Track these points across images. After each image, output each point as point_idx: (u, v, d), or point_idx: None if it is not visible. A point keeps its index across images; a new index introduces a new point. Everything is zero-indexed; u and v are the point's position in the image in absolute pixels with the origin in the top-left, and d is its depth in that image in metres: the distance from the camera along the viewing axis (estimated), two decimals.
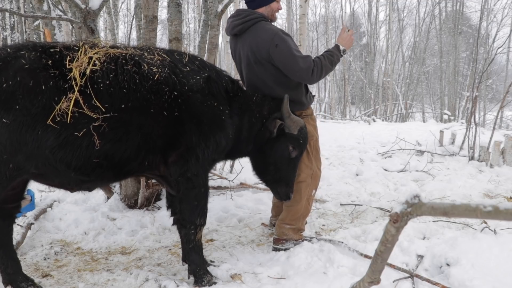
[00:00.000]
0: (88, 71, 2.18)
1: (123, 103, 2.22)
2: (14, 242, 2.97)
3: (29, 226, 3.29)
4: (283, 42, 2.69)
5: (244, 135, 2.70)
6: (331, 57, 2.81)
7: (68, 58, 2.21)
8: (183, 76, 2.44)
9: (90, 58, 2.25)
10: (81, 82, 2.15)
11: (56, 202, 3.97)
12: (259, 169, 2.85)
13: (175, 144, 2.40)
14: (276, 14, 2.97)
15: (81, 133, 2.13)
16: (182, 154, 2.42)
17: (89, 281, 2.60)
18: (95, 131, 2.14)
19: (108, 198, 4.04)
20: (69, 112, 2.09)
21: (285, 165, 2.75)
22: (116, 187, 4.02)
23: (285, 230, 3.01)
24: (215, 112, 2.49)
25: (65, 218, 3.65)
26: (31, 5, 9.42)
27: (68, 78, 2.15)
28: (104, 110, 2.16)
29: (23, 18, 11.27)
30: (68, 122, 2.09)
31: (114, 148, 2.23)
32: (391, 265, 2.52)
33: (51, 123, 2.07)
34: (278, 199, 2.90)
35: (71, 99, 2.10)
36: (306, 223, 3.51)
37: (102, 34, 13.68)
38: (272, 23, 2.95)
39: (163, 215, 3.52)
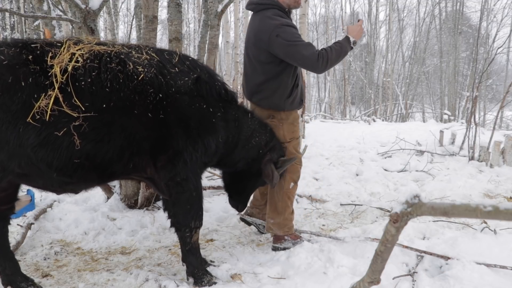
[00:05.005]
0: (70, 68, 2.11)
1: (105, 102, 2.15)
2: (14, 242, 2.98)
3: (29, 226, 3.29)
4: (284, 32, 2.70)
5: (239, 150, 2.70)
6: (339, 48, 2.78)
7: (50, 54, 2.15)
8: (171, 77, 2.36)
9: (73, 54, 2.18)
10: (62, 79, 2.08)
11: (56, 202, 3.97)
12: (233, 186, 3.01)
13: (162, 147, 2.34)
14: (301, 1, 2.97)
15: (62, 132, 2.06)
16: (169, 158, 2.36)
17: (89, 281, 2.60)
18: (75, 130, 2.08)
19: (108, 198, 4.04)
20: (48, 110, 2.03)
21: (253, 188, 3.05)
22: (116, 187, 4.01)
23: (270, 225, 3.03)
24: (204, 115, 2.43)
25: (65, 218, 3.65)
26: (31, 5, 9.42)
27: (49, 74, 2.09)
28: (84, 109, 2.10)
29: (23, 18, 11.27)
30: (48, 120, 2.03)
31: (96, 149, 2.16)
32: (404, 246, 2.70)
33: (31, 121, 2.01)
34: (235, 207, 3.10)
35: (51, 97, 2.04)
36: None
37: (102, 34, 13.68)
38: (297, 12, 3.01)
39: (163, 215, 3.48)
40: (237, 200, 3.03)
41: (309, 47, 2.71)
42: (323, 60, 2.70)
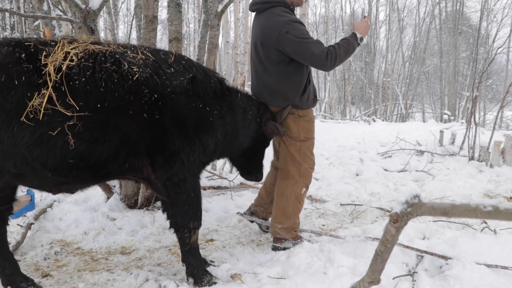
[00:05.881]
0: (64, 67, 2.10)
1: (99, 102, 2.14)
2: (14, 242, 2.98)
3: (29, 226, 3.29)
4: (293, 29, 2.68)
5: (242, 132, 2.71)
6: (347, 45, 2.78)
7: (44, 52, 2.14)
8: (167, 77, 2.36)
9: (67, 53, 2.16)
10: (56, 78, 2.07)
11: (56, 202, 3.97)
12: (248, 164, 3.03)
13: (159, 147, 2.33)
14: None
15: (56, 132, 2.05)
16: (166, 158, 2.35)
17: (89, 281, 2.60)
18: (69, 130, 2.07)
19: (108, 198, 4.04)
20: (42, 109, 2.02)
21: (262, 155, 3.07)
22: (116, 187, 4.01)
23: (277, 230, 3.00)
24: (201, 114, 2.43)
25: (65, 218, 3.65)
26: (31, 5, 9.42)
27: (42, 73, 2.07)
28: (78, 108, 2.08)
29: (23, 18, 11.27)
30: (42, 119, 2.02)
31: (90, 149, 2.15)
32: (404, 246, 2.70)
33: (25, 120, 2.00)
34: (255, 180, 3.12)
35: (45, 96, 2.03)
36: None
37: (102, 34, 13.68)
38: (295, 9, 3.00)
39: (163, 215, 3.50)
40: (255, 172, 3.05)
41: (318, 45, 2.69)
42: (332, 57, 2.69)
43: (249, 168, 3.03)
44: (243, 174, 3.10)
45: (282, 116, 2.88)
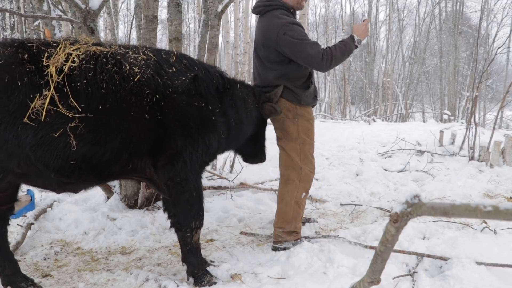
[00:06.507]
0: (66, 68, 2.11)
1: (101, 104, 2.14)
2: (14, 242, 2.99)
3: (29, 226, 3.29)
4: (291, 31, 2.76)
5: (246, 123, 2.74)
6: (344, 47, 2.82)
7: (46, 54, 2.14)
8: (168, 77, 2.36)
9: (69, 54, 2.17)
10: (58, 79, 2.08)
11: (56, 202, 3.97)
12: (252, 150, 3.07)
13: (161, 147, 2.34)
14: (304, 2, 3.00)
15: (58, 133, 2.06)
16: (169, 158, 2.36)
17: (89, 281, 2.60)
18: (71, 131, 2.07)
19: (108, 198, 4.04)
20: (44, 111, 2.02)
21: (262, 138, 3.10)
22: (116, 187, 4.01)
23: (279, 233, 3.02)
24: (203, 113, 2.43)
25: (65, 218, 3.65)
26: (31, 5, 9.42)
27: (44, 74, 2.08)
28: (80, 110, 2.09)
29: (23, 18, 11.27)
30: (44, 120, 2.03)
31: (93, 150, 2.15)
32: (399, 251, 2.63)
33: (27, 121, 2.01)
34: (259, 161, 3.14)
35: (46, 97, 2.03)
36: (305, 222, 3.51)
37: (102, 34, 13.67)
38: (297, 12, 3.06)
39: (163, 215, 3.48)
40: (260, 155, 3.09)
41: (315, 46, 2.75)
42: (327, 58, 2.74)
43: (254, 152, 3.06)
44: (248, 159, 3.13)
45: (276, 95, 2.92)
